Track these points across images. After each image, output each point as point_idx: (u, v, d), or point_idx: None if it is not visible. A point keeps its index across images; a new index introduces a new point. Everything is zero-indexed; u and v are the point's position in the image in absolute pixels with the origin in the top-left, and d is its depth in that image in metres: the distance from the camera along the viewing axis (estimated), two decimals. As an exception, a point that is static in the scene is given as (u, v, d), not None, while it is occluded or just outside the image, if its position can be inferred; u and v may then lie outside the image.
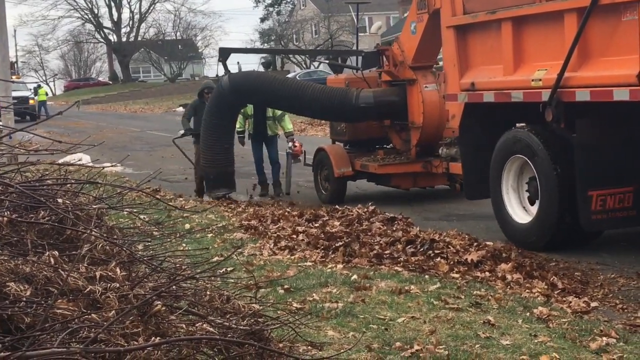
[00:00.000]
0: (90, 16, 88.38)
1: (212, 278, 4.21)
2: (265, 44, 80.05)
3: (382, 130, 14.23)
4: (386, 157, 13.82)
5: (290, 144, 15.28)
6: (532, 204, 9.83)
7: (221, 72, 14.58)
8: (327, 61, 15.55)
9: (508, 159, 9.98)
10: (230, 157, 14.25)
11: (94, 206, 4.24)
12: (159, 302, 3.06)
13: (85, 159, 14.90)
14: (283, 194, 15.09)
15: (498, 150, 10.11)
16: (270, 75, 14.41)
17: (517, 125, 10.49)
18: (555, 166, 9.25)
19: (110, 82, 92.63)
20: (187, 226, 10.25)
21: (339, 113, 13.61)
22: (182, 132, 15.51)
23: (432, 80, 13.10)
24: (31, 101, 42.73)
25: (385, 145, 14.45)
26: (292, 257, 8.58)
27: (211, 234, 9.96)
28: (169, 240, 6.26)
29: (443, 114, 12.40)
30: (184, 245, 8.38)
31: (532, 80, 9.38)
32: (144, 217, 7.10)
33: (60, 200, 3.95)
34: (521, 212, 9.98)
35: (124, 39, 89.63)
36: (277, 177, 15.46)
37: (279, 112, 15.03)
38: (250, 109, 14.99)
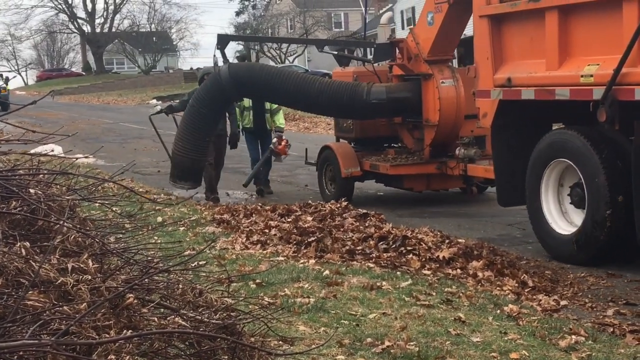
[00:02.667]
0: (64, 6, 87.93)
1: (185, 272, 4.19)
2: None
3: (392, 128, 13.40)
4: (398, 157, 12.94)
5: (276, 140, 14.24)
6: (575, 213, 9.03)
7: (220, 62, 13.35)
8: (335, 52, 14.15)
9: (550, 162, 9.11)
10: (206, 152, 13.03)
11: (67, 197, 4.20)
12: (131, 295, 3.04)
13: (57, 149, 14.80)
14: (271, 192, 14.42)
15: (538, 153, 9.25)
16: (275, 68, 13.17)
17: (554, 125, 9.86)
18: (606, 172, 8.37)
19: (84, 73, 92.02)
20: (159, 219, 10.20)
21: (349, 109, 12.64)
22: (159, 107, 14.46)
23: (449, 75, 12.29)
24: (2, 90, 42.40)
25: (393, 144, 13.66)
26: (264, 252, 8.58)
27: (183, 228, 9.92)
28: (140, 233, 6.22)
29: (460, 111, 12.11)
30: (155, 238, 8.35)
31: (582, 77, 8.53)
32: (116, 210, 7.07)
33: (32, 191, 3.92)
34: (563, 222, 9.13)
35: (97, 30, 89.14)
36: (267, 175, 14.77)
37: (275, 105, 14.21)
38: (247, 101, 14.18)
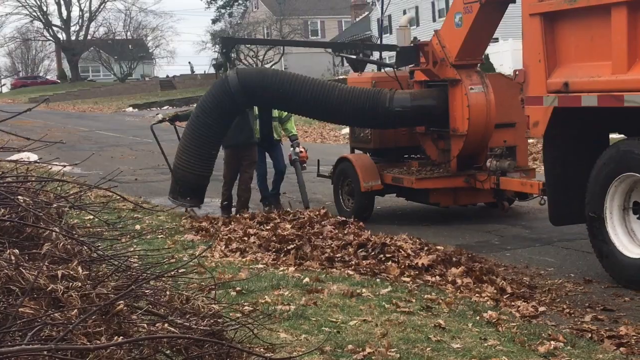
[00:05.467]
0: (39, 13, 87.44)
1: (172, 278, 4.21)
2: (217, 45, 79.72)
3: (413, 137, 12.53)
4: (422, 170, 12.00)
5: (297, 149, 12.93)
6: None
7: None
8: (354, 56, 13.04)
9: (616, 177, 8.15)
10: (211, 167, 12.00)
11: (55, 205, 4.20)
12: (121, 302, 3.06)
13: (33, 157, 14.72)
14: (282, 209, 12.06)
15: (603, 166, 8.28)
16: (289, 74, 12.00)
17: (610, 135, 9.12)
18: None
19: (59, 81, 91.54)
20: (138, 227, 10.19)
21: (370, 118, 11.63)
22: (161, 115, 13.00)
23: (478, 81, 11.39)
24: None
25: (413, 155, 12.85)
26: (244, 260, 8.59)
27: (162, 235, 9.92)
28: (120, 241, 6.22)
29: (490, 120, 11.33)
30: (134, 246, 8.34)
31: None
32: (95, 218, 7.06)
33: (21, 198, 3.92)
34: (630, 244, 8.19)
35: (73, 38, 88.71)
36: (278, 189, 13.46)
37: (285, 113, 12.97)
38: (254, 109, 12.73)
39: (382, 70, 13.07)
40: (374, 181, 12.05)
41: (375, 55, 15.32)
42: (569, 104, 8.60)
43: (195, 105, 13.33)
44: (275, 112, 12.85)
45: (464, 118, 11.28)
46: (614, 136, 9.51)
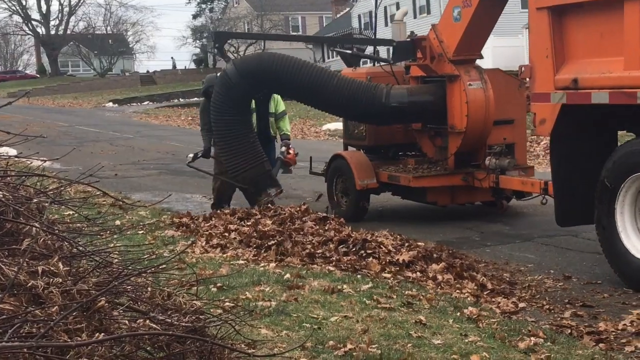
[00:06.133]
0: (18, 7, 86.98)
1: (154, 274, 4.19)
2: (198, 40, 79.57)
3: (409, 134, 12.28)
4: (419, 168, 11.81)
5: (284, 148, 12.38)
6: None
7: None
8: (350, 51, 12.68)
9: (628, 176, 7.86)
10: (260, 153, 11.68)
11: (35, 200, 4.17)
12: (103, 298, 3.05)
13: (12, 152, 14.61)
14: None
15: (613, 165, 8.01)
16: (288, 58, 11.50)
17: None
18: None
19: (38, 76, 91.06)
20: (118, 223, 10.14)
21: (365, 113, 11.43)
22: (191, 155, 12.61)
23: (477, 77, 11.11)
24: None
25: (408, 152, 12.60)
26: (225, 255, 8.57)
27: (142, 231, 9.88)
28: (99, 236, 6.19)
29: (489, 117, 11.05)
30: (114, 242, 8.30)
31: None
32: (73, 213, 7.03)
33: (0, 194, 3.89)
34: None
35: (52, 32, 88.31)
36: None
37: (280, 109, 12.50)
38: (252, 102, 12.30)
39: (377, 65, 12.76)
40: (369, 179, 11.84)
41: (367, 51, 15.06)
42: (577, 101, 8.29)
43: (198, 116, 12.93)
44: (272, 108, 12.47)
45: (463, 115, 11.04)
46: (621, 133, 9.33)
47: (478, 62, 11.55)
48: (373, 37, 13.75)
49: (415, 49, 11.54)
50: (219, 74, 12.13)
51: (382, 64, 12.37)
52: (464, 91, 11.00)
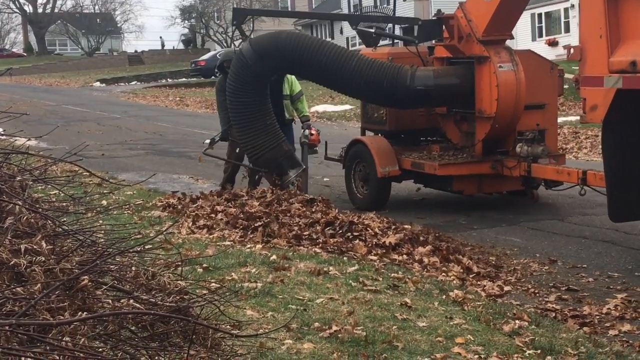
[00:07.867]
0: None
1: (139, 254, 4.18)
2: (186, 21, 79.13)
3: (432, 119, 11.64)
4: (444, 155, 11.18)
5: (307, 131, 11.78)
6: None
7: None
8: (373, 30, 11.61)
9: None
10: (279, 135, 11.22)
11: (18, 178, 4.14)
12: (86, 277, 3.03)
13: (-1, 131, 14.50)
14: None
15: None
16: (305, 37, 11.16)
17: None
18: None
19: (25, 54, 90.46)
20: (104, 202, 10.11)
21: (388, 96, 10.80)
22: (208, 140, 12.15)
23: (508, 59, 10.53)
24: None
25: (430, 138, 12.02)
26: (211, 236, 8.56)
27: (128, 211, 9.85)
28: (85, 216, 6.17)
29: (520, 101, 10.47)
30: (100, 222, 8.27)
31: None
32: (58, 192, 7.00)
33: (-18, 172, 3.86)
34: None
35: (40, 10, 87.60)
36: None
37: (296, 90, 11.91)
38: None
39: (393, 44, 11.99)
40: (391, 166, 11.19)
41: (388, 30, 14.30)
42: (636, 86, 7.51)
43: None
44: (286, 90, 11.87)
45: (492, 99, 10.45)
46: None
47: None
48: (393, 15, 12.93)
49: (441, 29, 10.98)
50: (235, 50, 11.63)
51: (407, 44, 11.66)
52: (494, 73, 10.45)
